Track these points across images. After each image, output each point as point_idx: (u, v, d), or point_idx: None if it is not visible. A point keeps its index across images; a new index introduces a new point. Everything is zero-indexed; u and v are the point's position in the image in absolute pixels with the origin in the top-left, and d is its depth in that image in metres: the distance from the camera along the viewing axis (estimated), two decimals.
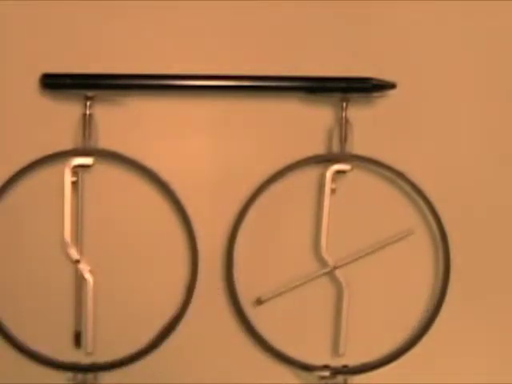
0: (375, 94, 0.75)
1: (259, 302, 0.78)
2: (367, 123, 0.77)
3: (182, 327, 0.77)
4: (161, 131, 0.77)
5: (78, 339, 0.78)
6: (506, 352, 0.84)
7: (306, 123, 0.78)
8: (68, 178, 0.74)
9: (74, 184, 0.75)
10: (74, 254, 0.75)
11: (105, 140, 0.75)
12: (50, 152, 0.74)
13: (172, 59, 0.76)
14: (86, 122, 0.74)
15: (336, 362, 0.80)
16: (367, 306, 0.80)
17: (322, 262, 0.78)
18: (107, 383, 0.78)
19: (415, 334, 0.79)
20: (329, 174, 0.76)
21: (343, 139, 0.76)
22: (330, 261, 0.77)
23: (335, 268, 0.78)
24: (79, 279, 0.76)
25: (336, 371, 0.79)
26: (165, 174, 0.75)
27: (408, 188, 0.78)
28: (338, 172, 0.76)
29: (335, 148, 0.77)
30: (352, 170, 0.76)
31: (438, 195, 0.78)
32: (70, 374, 0.78)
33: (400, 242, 0.78)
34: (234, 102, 0.76)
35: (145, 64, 0.75)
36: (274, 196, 0.77)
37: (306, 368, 0.79)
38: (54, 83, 0.73)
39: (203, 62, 0.76)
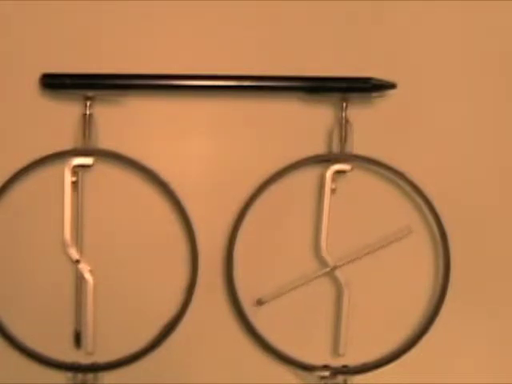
0: (375, 94, 0.75)
1: (260, 302, 0.78)
2: (367, 123, 0.77)
3: (182, 327, 0.77)
4: (161, 131, 0.77)
5: (77, 339, 0.78)
6: (506, 352, 0.84)
7: (306, 123, 0.78)
8: (68, 178, 0.74)
9: (74, 184, 0.75)
10: (73, 254, 0.75)
11: (105, 140, 0.75)
12: (50, 152, 0.74)
13: (172, 59, 0.76)
14: (86, 122, 0.74)
15: (336, 362, 0.80)
16: (367, 306, 0.80)
17: (322, 262, 0.78)
18: (107, 383, 0.79)
19: (415, 333, 0.79)
20: (329, 173, 0.76)
21: (343, 139, 0.76)
22: (330, 261, 0.77)
23: (335, 268, 0.78)
24: (79, 279, 0.76)
25: (336, 371, 0.79)
26: (165, 174, 0.75)
27: (408, 188, 0.78)
28: (338, 172, 0.76)
29: (335, 148, 0.77)
30: (352, 170, 0.76)
31: (438, 195, 0.78)
32: (69, 374, 0.78)
33: (400, 241, 0.78)
34: (234, 101, 0.76)
35: (145, 64, 0.75)
36: (274, 196, 0.77)
37: (306, 368, 0.79)
38: (53, 83, 0.73)
39: (203, 62, 0.76)
